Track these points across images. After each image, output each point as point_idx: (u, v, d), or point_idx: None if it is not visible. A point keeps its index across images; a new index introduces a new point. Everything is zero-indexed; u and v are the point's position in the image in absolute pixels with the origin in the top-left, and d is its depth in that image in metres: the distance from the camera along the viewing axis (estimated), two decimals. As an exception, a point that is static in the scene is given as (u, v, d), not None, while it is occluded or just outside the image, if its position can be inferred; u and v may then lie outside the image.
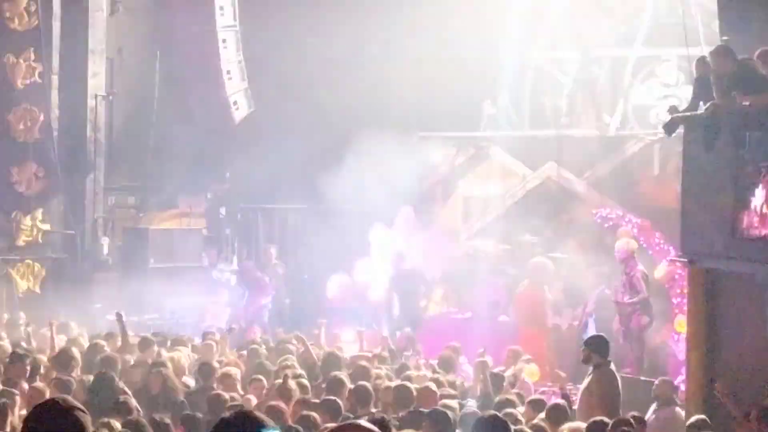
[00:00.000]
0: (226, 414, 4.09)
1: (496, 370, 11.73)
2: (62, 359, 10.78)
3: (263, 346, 12.97)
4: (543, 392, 12.86)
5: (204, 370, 10.76)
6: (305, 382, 10.43)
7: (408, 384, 9.96)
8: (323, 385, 10.32)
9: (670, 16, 17.29)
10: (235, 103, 19.18)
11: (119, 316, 12.57)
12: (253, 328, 15.67)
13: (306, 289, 18.93)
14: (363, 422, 4.17)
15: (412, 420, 8.57)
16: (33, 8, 18.42)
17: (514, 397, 10.24)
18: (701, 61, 11.17)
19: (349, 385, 9.84)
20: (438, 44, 18.67)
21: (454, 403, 9.43)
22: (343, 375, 10.37)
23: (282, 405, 9.06)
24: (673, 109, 11.94)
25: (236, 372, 10.58)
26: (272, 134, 18.96)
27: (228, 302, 17.67)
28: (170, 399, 9.98)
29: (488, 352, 12.11)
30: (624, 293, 14.31)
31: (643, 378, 13.19)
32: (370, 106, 18.54)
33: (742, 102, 9.98)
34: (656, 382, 11.38)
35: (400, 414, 9.08)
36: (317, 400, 9.41)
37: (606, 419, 8.60)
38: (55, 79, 18.69)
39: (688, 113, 11.17)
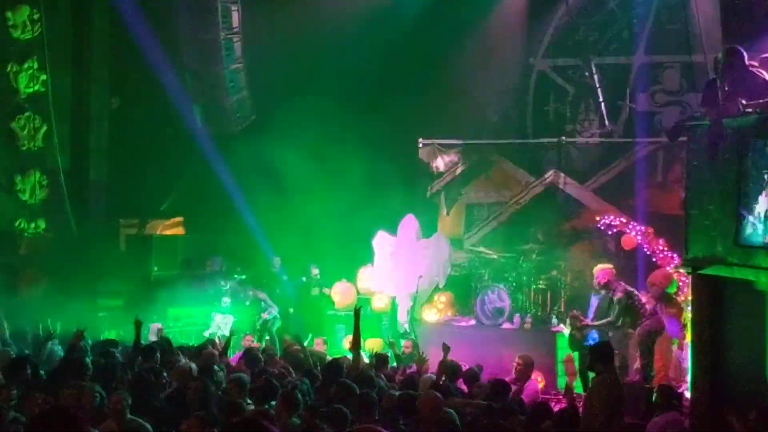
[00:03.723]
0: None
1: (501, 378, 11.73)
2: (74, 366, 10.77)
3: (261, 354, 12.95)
4: (549, 399, 12.87)
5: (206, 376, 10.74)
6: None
7: (413, 392, 9.93)
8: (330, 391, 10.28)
9: (673, 22, 17.32)
10: (237, 110, 19.20)
11: (138, 324, 12.64)
12: (248, 336, 15.70)
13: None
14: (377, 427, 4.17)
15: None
16: (36, 17, 18.47)
17: (515, 405, 10.21)
18: (716, 63, 11.05)
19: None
20: (441, 51, 18.69)
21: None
22: (349, 382, 10.34)
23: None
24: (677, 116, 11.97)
25: (247, 378, 10.53)
26: (273, 141, 18.97)
27: (231, 310, 17.65)
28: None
29: (492, 359, 12.11)
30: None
31: (647, 385, 13.19)
32: (374, 112, 18.56)
33: (746, 109, 9.97)
34: (656, 388, 11.40)
35: (405, 421, 9.06)
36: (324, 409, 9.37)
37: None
38: (58, 87, 18.71)
39: (692, 120, 11.16)
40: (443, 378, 11.37)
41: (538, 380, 13.74)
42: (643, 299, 14.08)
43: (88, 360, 11.19)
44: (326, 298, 18.01)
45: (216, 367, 11.16)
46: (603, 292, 14.54)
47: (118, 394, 9.06)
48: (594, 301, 15.30)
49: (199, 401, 9.45)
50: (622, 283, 14.17)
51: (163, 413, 9.58)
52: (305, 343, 13.89)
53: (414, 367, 12.97)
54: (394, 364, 13.51)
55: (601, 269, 14.37)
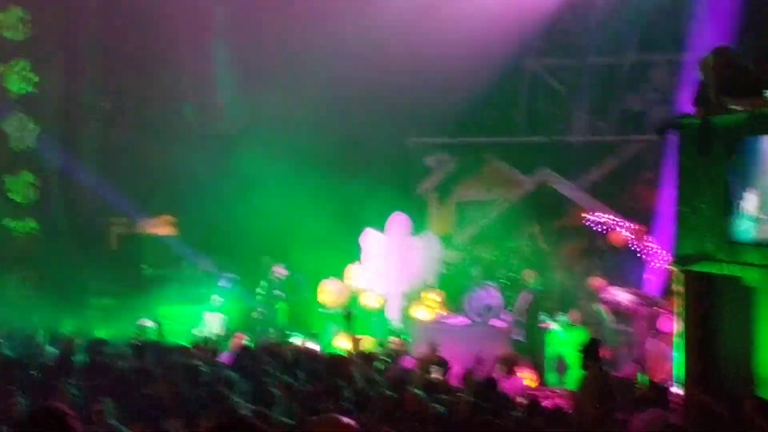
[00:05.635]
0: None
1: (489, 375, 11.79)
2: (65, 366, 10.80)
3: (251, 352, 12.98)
4: (539, 396, 12.92)
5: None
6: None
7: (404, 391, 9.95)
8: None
9: (664, 22, 17.37)
10: (230, 111, 19.21)
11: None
12: (241, 333, 15.72)
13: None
14: (340, 416, 4.16)
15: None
16: (27, 18, 18.45)
17: (505, 401, 10.26)
18: (704, 62, 11.10)
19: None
20: (435, 50, 18.71)
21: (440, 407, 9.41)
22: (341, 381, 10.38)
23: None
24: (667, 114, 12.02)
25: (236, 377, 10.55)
26: (266, 142, 18.99)
27: (222, 308, 17.66)
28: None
29: (482, 356, 12.19)
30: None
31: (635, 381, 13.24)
32: (365, 110, 18.57)
33: (735, 107, 10.03)
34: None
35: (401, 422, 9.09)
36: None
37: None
38: (49, 88, 18.68)
39: (682, 118, 11.20)
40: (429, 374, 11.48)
41: (526, 377, 13.80)
42: (619, 297, 14.36)
43: (76, 359, 11.24)
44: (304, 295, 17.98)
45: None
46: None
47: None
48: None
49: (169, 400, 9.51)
50: (607, 291, 14.52)
51: (146, 413, 9.57)
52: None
53: (406, 360, 13.05)
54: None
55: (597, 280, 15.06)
